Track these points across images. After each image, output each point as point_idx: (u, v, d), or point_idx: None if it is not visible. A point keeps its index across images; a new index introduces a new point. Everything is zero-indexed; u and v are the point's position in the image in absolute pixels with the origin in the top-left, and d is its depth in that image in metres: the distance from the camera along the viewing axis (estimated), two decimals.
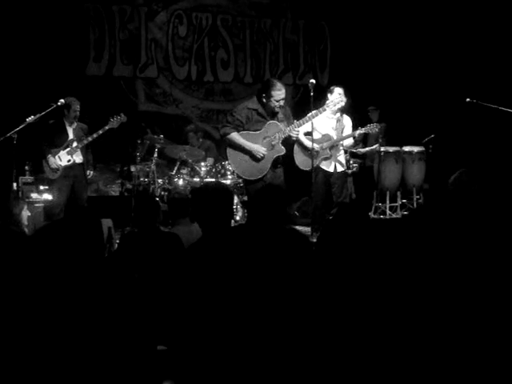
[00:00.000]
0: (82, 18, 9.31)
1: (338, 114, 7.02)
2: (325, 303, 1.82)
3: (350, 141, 7.25)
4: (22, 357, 2.37)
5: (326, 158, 6.93)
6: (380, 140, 8.51)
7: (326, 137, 6.94)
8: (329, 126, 7.00)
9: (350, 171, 8.74)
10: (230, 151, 6.11)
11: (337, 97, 6.59)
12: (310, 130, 6.60)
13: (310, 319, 2.04)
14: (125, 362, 2.52)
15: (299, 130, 6.16)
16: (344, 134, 7.06)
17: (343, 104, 6.31)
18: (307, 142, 6.69)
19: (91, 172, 7.53)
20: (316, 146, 6.67)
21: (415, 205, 8.46)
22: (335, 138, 6.98)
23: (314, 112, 6.18)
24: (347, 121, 7.14)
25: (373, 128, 7.27)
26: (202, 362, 2.54)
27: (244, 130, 6.00)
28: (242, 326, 2.38)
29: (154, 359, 2.68)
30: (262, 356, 2.34)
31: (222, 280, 2.50)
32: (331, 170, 6.99)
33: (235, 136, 5.98)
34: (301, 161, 6.88)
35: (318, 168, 6.81)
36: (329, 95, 6.90)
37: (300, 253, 1.67)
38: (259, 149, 5.96)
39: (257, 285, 2.18)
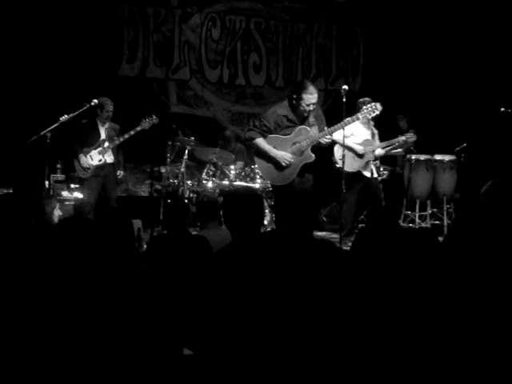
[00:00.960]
0: (117, 19, 9.40)
1: (372, 123, 7.21)
2: (357, 315, 1.81)
3: (381, 151, 7.47)
4: (46, 355, 2.39)
5: (367, 162, 7.16)
6: (412, 148, 8.49)
7: (368, 142, 7.19)
8: (365, 133, 7.24)
9: (380, 178, 8.71)
10: (256, 157, 6.05)
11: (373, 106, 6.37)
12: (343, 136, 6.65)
13: (340, 330, 2.03)
14: (150, 363, 2.53)
15: (331, 138, 6.01)
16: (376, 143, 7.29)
17: (378, 113, 6.17)
18: (356, 146, 6.98)
19: (121, 172, 7.59)
20: (361, 148, 6.97)
21: (445, 214, 8.36)
22: (375, 143, 7.26)
23: (347, 119, 5.99)
24: (376, 131, 7.41)
25: (412, 137, 7.42)
26: (226, 367, 2.53)
27: (272, 134, 5.88)
28: (269, 333, 2.37)
29: (180, 363, 2.68)
30: (290, 365, 2.33)
31: (250, 287, 2.49)
32: (369, 174, 7.20)
33: (260, 141, 5.84)
34: (349, 163, 6.89)
35: (359, 172, 7.06)
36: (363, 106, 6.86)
37: (332, 265, 1.66)
38: (285, 156, 5.80)
39: (286, 293, 2.17)
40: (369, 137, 7.24)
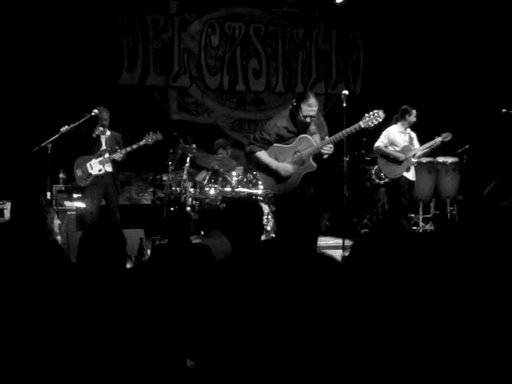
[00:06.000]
0: (116, 28, 9.42)
1: (409, 129, 7.50)
2: (357, 327, 1.79)
3: (421, 153, 7.63)
4: (48, 371, 2.38)
5: (409, 168, 7.43)
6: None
7: (407, 148, 7.42)
8: (402, 139, 7.47)
9: (382, 182, 8.68)
10: (257, 170, 6.04)
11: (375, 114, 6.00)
12: (386, 142, 7.39)
13: (339, 340, 2.01)
14: (154, 375, 2.52)
15: (332, 147, 5.81)
16: (414, 147, 7.53)
17: (380, 120, 5.93)
18: (396, 154, 7.35)
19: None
20: (402, 155, 7.34)
21: (449, 216, 8.34)
22: (416, 147, 7.48)
23: (348, 129, 5.79)
24: (413, 134, 7.61)
25: (447, 136, 7.50)
26: (228, 378, 2.52)
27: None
28: (271, 344, 2.35)
29: (184, 373, 2.67)
30: (292, 376, 2.31)
31: (251, 297, 2.47)
32: (413, 178, 7.50)
33: (261, 155, 5.82)
34: (388, 171, 7.48)
35: (403, 177, 7.38)
36: (407, 116, 7.43)
37: (331, 279, 1.65)
38: (285, 167, 5.77)
39: (287, 304, 2.16)
40: (407, 143, 7.46)
